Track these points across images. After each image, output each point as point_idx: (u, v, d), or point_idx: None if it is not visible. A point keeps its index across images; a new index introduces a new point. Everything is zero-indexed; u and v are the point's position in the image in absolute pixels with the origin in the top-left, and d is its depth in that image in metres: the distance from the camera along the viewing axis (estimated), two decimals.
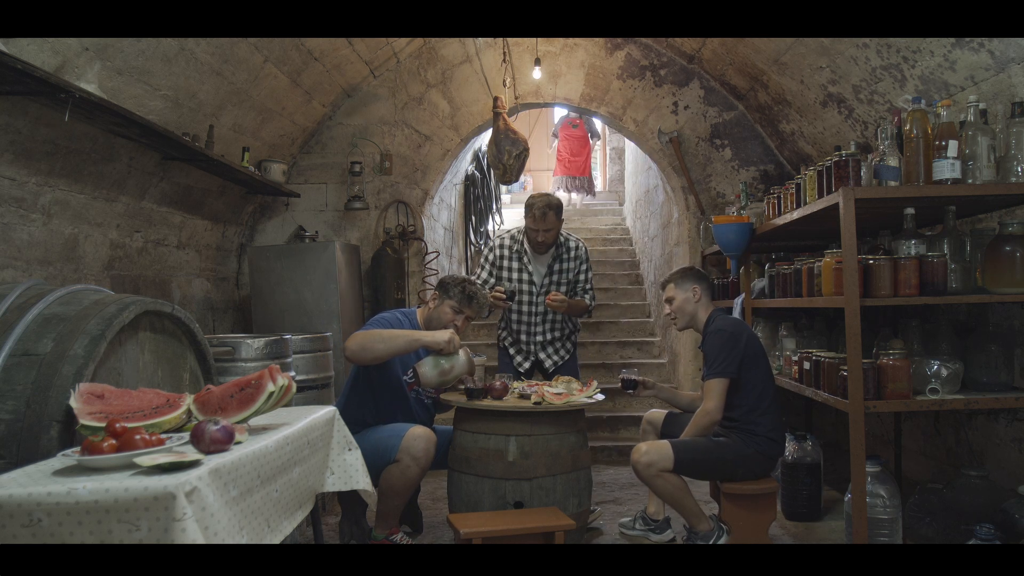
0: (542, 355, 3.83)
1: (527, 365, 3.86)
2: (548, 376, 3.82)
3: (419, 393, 3.26)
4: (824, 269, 2.95)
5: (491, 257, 3.84)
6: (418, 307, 3.43)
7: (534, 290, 3.76)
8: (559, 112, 10.04)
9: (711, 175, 5.29)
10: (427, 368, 3.01)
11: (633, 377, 3.45)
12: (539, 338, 3.81)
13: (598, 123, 10.37)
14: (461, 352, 3.04)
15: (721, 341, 3.04)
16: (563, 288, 3.77)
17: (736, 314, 4.03)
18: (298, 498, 2.09)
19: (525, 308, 3.79)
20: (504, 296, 3.65)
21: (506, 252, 3.82)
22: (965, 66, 2.94)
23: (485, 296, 3.32)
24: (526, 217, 3.68)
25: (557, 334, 3.84)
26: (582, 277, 3.82)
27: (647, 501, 3.42)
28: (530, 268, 3.76)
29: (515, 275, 3.77)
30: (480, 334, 6.70)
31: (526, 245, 3.78)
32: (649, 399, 5.37)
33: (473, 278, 3.58)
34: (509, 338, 3.91)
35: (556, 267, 3.77)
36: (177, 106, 3.66)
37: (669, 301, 3.28)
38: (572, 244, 3.82)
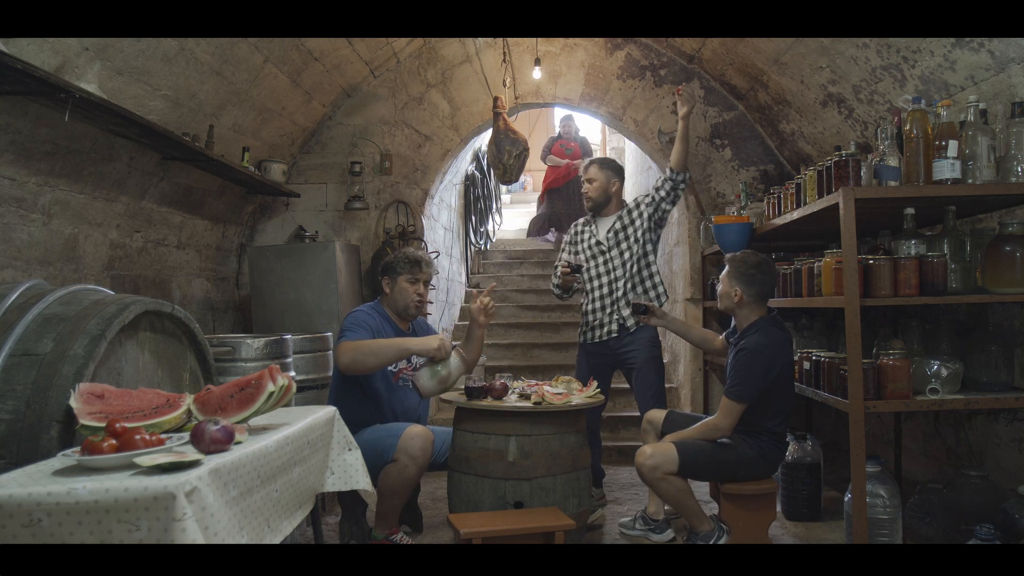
0: (626, 312, 3.74)
1: (615, 328, 3.76)
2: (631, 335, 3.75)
3: (405, 380, 3.28)
4: (824, 269, 2.95)
5: (565, 242, 4.06)
6: (379, 298, 3.38)
7: (603, 247, 3.83)
8: (559, 113, 9.80)
9: (711, 175, 5.29)
10: (425, 380, 3.01)
11: (644, 302, 3.49)
12: (620, 293, 3.77)
13: (594, 138, 9.98)
14: (453, 354, 3.04)
15: (752, 364, 2.93)
16: (627, 244, 3.79)
17: None
18: (298, 498, 2.09)
19: (602, 268, 3.83)
20: (569, 269, 3.73)
21: (578, 228, 4.01)
22: (965, 66, 2.94)
23: (430, 256, 3.42)
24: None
25: (640, 289, 3.79)
26: (648, 198, 3.80)
27: (647, 500, 3.43)
28: (596, 231, 3.91)
29: (585, 243, 3.91)
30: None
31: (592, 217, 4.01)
32: None
33: (556, 263, 3.91)
34: (585, 323, 3.87)
35: (617, 226, 3.83)
36: (177, 106, 3.66)
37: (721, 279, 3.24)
38: (627, 201, 3.95)
